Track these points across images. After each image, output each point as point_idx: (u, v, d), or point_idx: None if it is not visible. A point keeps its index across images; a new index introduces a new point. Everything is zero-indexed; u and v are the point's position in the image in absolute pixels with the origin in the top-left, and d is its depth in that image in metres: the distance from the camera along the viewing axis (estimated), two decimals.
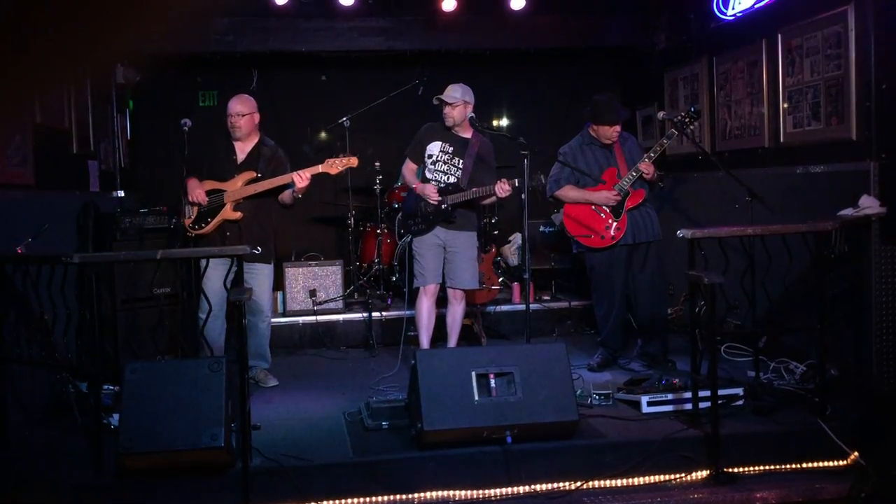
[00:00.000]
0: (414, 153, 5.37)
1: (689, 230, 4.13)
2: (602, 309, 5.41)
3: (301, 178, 4.88)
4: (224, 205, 5.01)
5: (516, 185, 4.81)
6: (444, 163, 5.25)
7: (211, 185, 5.03)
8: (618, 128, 5.24)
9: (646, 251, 5.27)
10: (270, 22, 6.95)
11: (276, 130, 7.66)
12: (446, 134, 5.28)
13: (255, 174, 5.05)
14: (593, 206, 5.24)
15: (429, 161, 5.29)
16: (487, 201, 5.32)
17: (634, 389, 4.57)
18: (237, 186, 5.02)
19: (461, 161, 5.23)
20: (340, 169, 4.99)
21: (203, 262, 4.73)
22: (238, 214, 5.02)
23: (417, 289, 5.34)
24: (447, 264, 5.29)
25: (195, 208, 5.03)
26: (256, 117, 5.15)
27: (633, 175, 5.16)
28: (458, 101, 5.12)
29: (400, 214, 5.57)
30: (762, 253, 4.29)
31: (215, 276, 4.50)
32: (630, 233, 5.20)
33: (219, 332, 4.92)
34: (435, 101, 5.20)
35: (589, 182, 5.25)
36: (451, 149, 5.25)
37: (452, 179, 5.21)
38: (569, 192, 5.30)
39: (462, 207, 5.22)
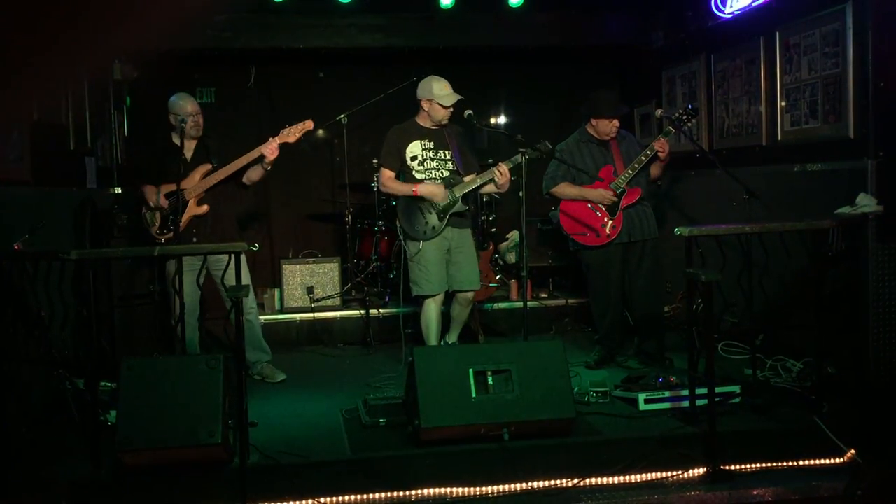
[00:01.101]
0: (390, 160, 5.14)
1: (687, 228, 4.14)
2: (599, 307, 5.42)
3: (271, 150, 4.88)
4: (187, 202, 5.00)
5: (511, 165, 4.83)
6: (432, 159, 5.11)
7: (166, 188, 4.98)
8: (616, 122, 5.25)
9: (642, 249, 5.27)
10: (268, 18, 6.93)
11: (274, 127, 7.64)
12: (421, 131, 5.13)
13: (209, 166, 5.05)
14: (589, 204, 5.24)
15: (414, 163, 5.09)
16: (486, 189, 5.18)
17: (632, 387, 4.57)
18: (195, 181, 5.02)
19: (447, 152, 5.12)
20: (298, 135, 4.94)
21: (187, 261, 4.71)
22: (205, 208, 5.03)
23: (413, 287, 5.19)
24: (454, 267, 5.12)
25: (157, 214, 5.02)
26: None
27: (629, 173, 5.16)
28: None
29: (400, 222, 5.19)
30: (759, 251, 4.29)
31: (188, 276, 4.48)
32: (626, 231, 5.20)
33: (193, 334, 4.90)
34: (452, 104, 5.01)
35: (585, 179, 5.25)
36: (432, 143, 5.11)
37: (446, 174, 5.09)
38: (565, 190, 5.30)
39: (466, 201, 5.10)
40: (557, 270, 7.20)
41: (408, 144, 5.10)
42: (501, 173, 4.88)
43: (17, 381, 4.19)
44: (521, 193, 4.74)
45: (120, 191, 6.52)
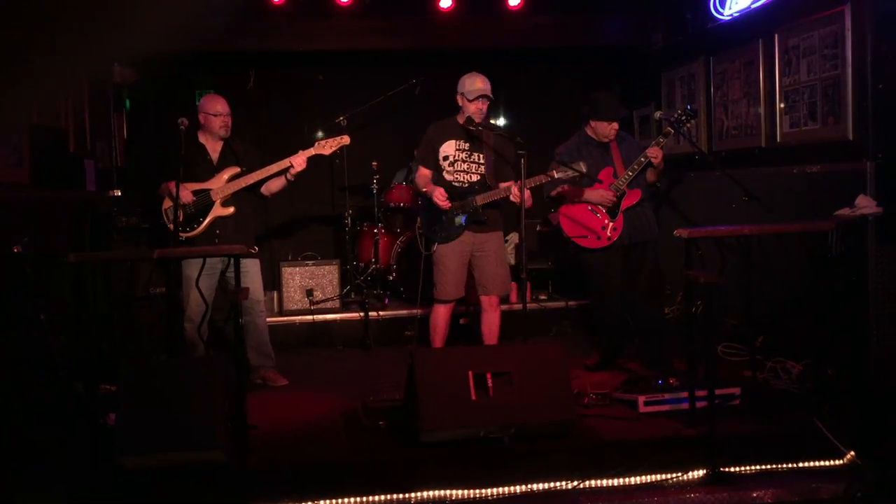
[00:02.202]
0: (425, 158, 5.03)
1: (686, 230, 4.13)
2: (599, 309, 5.41)
3: (300, 162, 4.89)
4: (213, 203, 5.00)
5: (559, 177, 4.73)
6: (464, 161, 4.97)
7: (191, 186, 4.95)
8: (616, 125, 5.23)
9: (643, 250, 5.25)
10: (268, 21, 6.93)
11: (273, 129, 7.68)
12: (459, 131, 4.97)
13: (238, 169, 5.05)
14: (589, 207, 5.23)
15: (445, 163, 4.98)
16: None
17: (631, 389, 4.57)
18: (222, 183, 5.02)
19: (481, 156, 4.97)
20: (334, 148, 4.96)
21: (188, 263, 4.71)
22: (231, 209, 5.02)
23: (428, 290, 5.10)
24: (477, 270, 5.01)
25: (180, 211, 5.00)
26: None
27: (629, 174, 5.15)
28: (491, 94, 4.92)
29: (420, 221, 5.08)
30: (759, 253, 4.29)
31: (192, 278, 4.46)
32: (627, 233, 5.19)
33: (196, 336, 4.85)
34: (476, 97, 4.83)
35: (585, 182, 5.24)
36: (468, 145, 4.97)
37: (475, 178, 4.96)
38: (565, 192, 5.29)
39: (490, 207, 4.95)
40: (557, 272, 7.20)
41: (442, 143, 4.99)
42: (514, 195, 4.72)
43: (16, 383, 4.19)
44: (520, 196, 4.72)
45: (119, 193, 6.52)
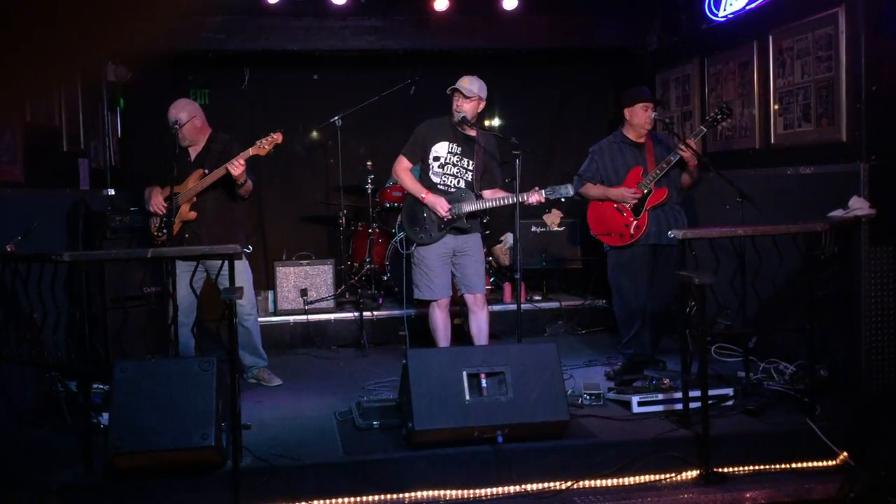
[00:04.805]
0: (412, 152, 5.02)
1: (680, 231, 4.14)
2: (622, 310, 5.28)
3: (235, 167, 4.77)
4: (180, 206, 4.96)
5: (546, 197, 4.71)
6: (454, 165, 4.97)
7: (167, 191, 4.91)
8: (651, 109, 5.15)
9: (669, 253, 5.08)
10: (262, 20, 6.92)
11: (268, 129, 7.62)
12: (453, 133, 4.98)
13: (202, 172, 4.99)
14: (615, 205, 5.17)
15: (435, 164, 4.97)
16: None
17: (625, 389, 4.58)
18: (188, 187, 4.99)
19: (471, 162, 4.98)
20: (269, 148, 4.86)
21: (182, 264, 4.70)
22: (193, 215, 4.97)
23: (414, 290, 5.10)
24: (458, 270, 5.02)
25: (157, 218, 5.00)
26: (198, 121, 5.05)
27: (656, 173, 5.08)
28: (474, 95, 4.89)
29: (401, 221, 5.07)
30: (752, 254, 4.30)
31: (183, 279, 4.45)
32: (653, 232, 5.09)
33: (187, 336, 4.81)
34: (448, 91, 4.93)
35: (614, 180, 5.20)
36: (459, 149, 4.96)
37: (462, 184, 4.97)
38: (589, 190, 5.26)
39: (472, 216, 4.97)
40: (551, 273, 7.20)
41: (435, 143, 4.98)
42: (537, 199, 4.73)
43: (8, 382, 4.17)
44: (514, 196, 4.71)
45: (113, 192, 6.51)
